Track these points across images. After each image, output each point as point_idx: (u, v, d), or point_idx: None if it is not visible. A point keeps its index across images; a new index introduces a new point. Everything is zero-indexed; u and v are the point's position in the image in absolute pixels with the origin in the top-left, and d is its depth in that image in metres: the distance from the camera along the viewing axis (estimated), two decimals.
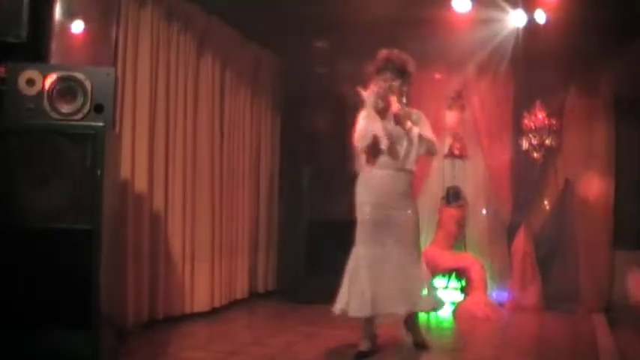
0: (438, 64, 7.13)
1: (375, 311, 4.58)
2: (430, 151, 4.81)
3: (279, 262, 7.42)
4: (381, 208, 4.64)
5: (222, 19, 6.22)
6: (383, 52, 4.78)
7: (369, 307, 4.54)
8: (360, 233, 4.68)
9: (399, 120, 4.58)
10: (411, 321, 4.93)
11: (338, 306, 4.69)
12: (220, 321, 5.86)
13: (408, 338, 4.97)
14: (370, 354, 4.67)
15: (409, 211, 4.73)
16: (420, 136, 4.64)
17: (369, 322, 4.72)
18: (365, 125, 4.60)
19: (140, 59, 5.20)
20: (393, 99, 4.61)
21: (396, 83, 4.70)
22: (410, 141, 4.65)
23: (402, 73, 4.73)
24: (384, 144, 4.62)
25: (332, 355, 4.70)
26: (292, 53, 7.35)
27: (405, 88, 4.77)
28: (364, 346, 4.70)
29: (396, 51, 4.78)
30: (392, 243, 4.65)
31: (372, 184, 4.69)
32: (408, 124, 4.60)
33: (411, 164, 4.73)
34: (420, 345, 4.92)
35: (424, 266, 4.84)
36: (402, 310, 4.65)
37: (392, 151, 4.65)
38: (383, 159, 4.66)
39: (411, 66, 4.79)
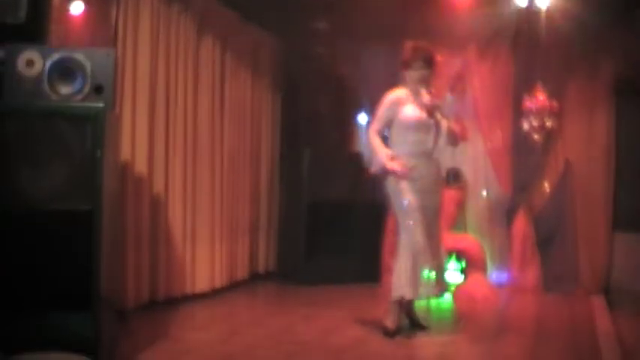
0: (439, 46, 7.06)
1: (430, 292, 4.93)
2: (454, 142, 5.10)
3: (280, 244, 7.44)
4: (423, 196, 4.82)
5: (221, 0, 6.19)
6: (410, 44, 4.91)
7: (421, 289, 4.80)
8: (405, 221, 4.80)
9: (429, 111, 4.79)
10: (409, 303, 4.98)
11: (402, 291, 4.76)
12: (221, 302, 5.89)
13: (404, 320, 5.02)
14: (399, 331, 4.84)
15: (440, 197, 5.03)
16: (448, 129, 4.88)
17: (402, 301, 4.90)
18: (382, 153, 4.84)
19: (140, 41, 5.19)
20: (424, 91, 4.81)
21: (426, 73, 4.85)
22: (438, 132, 4.87)
23: (430, 63, 4.87)
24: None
25: (332, 336, 4.72)
26: (293, 35, 7.32)
27: (431, 78, 4.95)
28: (395, 323, 4.84)
29: (421, 42, 4.93)
30: (431, 227, 4.85)
31: (411, 171, 4.81)
32: (438, 116, 4.83)
33: (438, 152, 4.99)
34: (419, 326, 4.96)
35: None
36: (439, 292, 5.03)
37: (422, 140, 4.86)
38: (417, 147, 4.85)
39: (437, 56, 4.98)
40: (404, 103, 4.86)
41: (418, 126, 4.82)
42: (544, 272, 6.80)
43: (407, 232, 4.77)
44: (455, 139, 5.00)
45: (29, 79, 3.70)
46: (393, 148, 4.91)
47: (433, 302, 5.95)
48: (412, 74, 4.85)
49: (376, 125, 4.96)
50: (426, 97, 4.77)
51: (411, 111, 4.83)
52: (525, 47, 6.83)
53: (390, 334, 4.74)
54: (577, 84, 6.88)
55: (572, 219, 6.84)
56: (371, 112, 7.01)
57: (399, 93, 4.92)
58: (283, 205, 7.46)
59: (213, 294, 6.06)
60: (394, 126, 4.90)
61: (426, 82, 4.84)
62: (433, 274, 4.82)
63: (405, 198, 4.79)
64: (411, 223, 4.75)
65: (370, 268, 6.73)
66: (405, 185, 4.79)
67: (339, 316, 5.35)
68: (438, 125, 4.84)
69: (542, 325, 5.32)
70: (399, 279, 4.76)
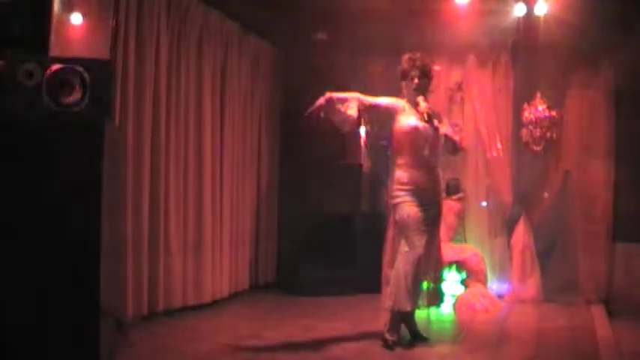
0: (438, 56, 7.10)
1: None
2: (454, 150, 5.06)
3: (280, 255, 7.43)
4: (423, 207, 4.80)
5: (221, 11, 6.21)
6: (407, 56, 4.94)
7: (419, 301, 4.88)
8: (406, 232, 4.79)
9: (428, 119, 4.74)
10: (409, 315, 4.97)
11: (401, 303, 4.74)
12: (220, 313, 5.88)
13: (404, 331, 4.99)
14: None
15: (440, 208, 4.98)
16: (446, 136, 4.87)
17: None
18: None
19: (140, 52, 5.20)
20: (422, 99, 4.80)
21: (422, 83, 4.88)
22: (437, 141, 4.84)
23: (426, 73, 4.91)
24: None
25: (331, 348, 4.70)
26: (293, 45, 7.34)
27: (428, 88, 4.96)
28: (396, 335, 4.84)
29: (418, 53, 4.94)
30: (430, 238, 4.83)
31: (411, 182, 4.82)
32: (436, 122, 4.78)
33: (437, 161, 4.94)
34: (419, 337, 4.95)
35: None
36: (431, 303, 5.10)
37: (421, 150, 4.84)
38: (416, 158, 4.83)
39: (433, 66, 5.04)
40: (402, 113, 4.88)
41: (416, 135, 4.81)
42: (544, 282, 6.79)
43: (408, 243, 4.74)
44: (454, 146, 4.99)
45: (29, 90, 3.70)
46: (394, 159, 4.92)
47: (433, 313, 5.94)
48: (409, 84, 4.88)
49: (364, 99, 4.92)
50: (422, 105, 4.76)
51: (408, 120, 4.84)
52: (524, 57, 6.85)
53: (389, 345, 4.73)
54: (576, 93, 6.89)
55: (572, 229, 6.84)
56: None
57: (398, 101, 4.95)
58: (283, 216, 7.45)
59: (214, 305, 6.04)
60: (393, 137, 4.90)
61: (423, 92, 4.85)
62: (428, 285, 4.82)
63: (406, 210, 4.77)
64: (413, 235, 4.73)
65: (370, 279, 6.71)
66: (406, 196, 4.79)
67: (339, 327, 5.33)
68: (437, 134, 4.81)
69: (543, 336, 5.30)
70: (397, 290, 4.73)
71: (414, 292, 4.74)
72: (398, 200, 4.83)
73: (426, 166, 4.85)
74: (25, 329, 3.54)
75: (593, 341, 5.02)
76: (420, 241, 4.72)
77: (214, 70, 6.19)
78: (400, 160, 4.87)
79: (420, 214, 4.76)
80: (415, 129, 4.81)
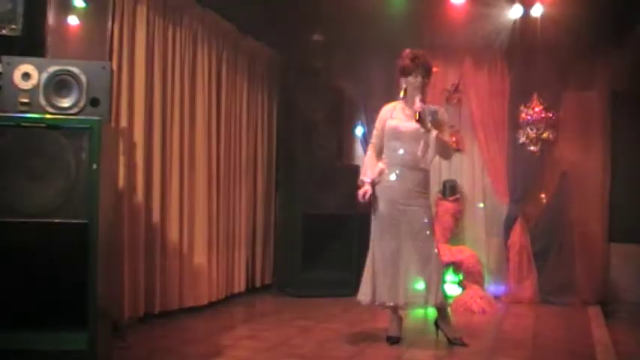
0: (435, 57, 7.10)
1: (397, 301, 4.84)
2: (444, 155, 5.04)
3: (276, 256, 7.43)
4: (398, 206, 4.81)
5: (217, 12, 6.20)
6: (407, 52, 4.88)
7: (394, 297, 4.82)
8: (374, 228, 4.94)
9: (420, 120, 4.70)
10: (441, 317, 4.98)
11: (365, 296, 4.91)
12: (217, 315, 5.87)
13: (442, 335, 4.99)
14: (399, 339, 4.90)
15: (421, 208, 4.86)
16: (438, 139, 4.77)
17: (395, 309, 4.96)
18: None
19: (136, 53, 5.19)
20: (418, 98, 4.75)
21: (423, 82, 4.84)
22: (427, 142, 4.79)
23: (428, 72, 4.87)
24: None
25: (328, 349, 4.70)
26: (289, 46, 7.35)
27: (428, 86, 4.94)
28: (393, 331, 4.94)
29: (419, 50, 4.89)
30: (406, 238, 4.82)
31: (386, 180, 4.86)
32: (428, 125, 4.72)
33: (426, 163, 4.88)
34: (455, 341, 4.89)
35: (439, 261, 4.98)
36: (421, 303, 4.92)
37: (398, 149, 4.84)
38: (398, 157, 4.83)
39: (434, 65, 5.01)
40: (391, 115, 4.91)
41: (397, 134, 4.83)
42: (541, 283, 6.81)
43: (372, 238, 4.94)
44: (445, 150, 4.92)
45: (25, 92, 3.70)
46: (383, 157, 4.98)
47: (430, 314, 5.94)
48: (410, 82, 4.82)
49: (373, 139, 5.04)
50: (417, 105, 4.70)
51: (390, 122, 4.88)
52: (521, 58, 6.86)
53: (389, 340, 4.86)
54: (573, 95, 6.91)
55: (568, 230, 6.85)
56: (367, 124, 7.05)
57: (388, 107, 4.99)
58: (279, 217, 7.45)
59: (210, 307, 6.03)
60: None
61: (422, 90, 4.81)
62: (422, 284, 4.79)
63: (374, 204, 4.89)
64: (374, 229, 4.92)
65: None
66: (379, 193, 4.87)
67: (336, 328, 5.33)
68: (427, 135, 4.77)
69: (540, 337, 5.31)
70: (362, 284, 4.96)
71: (375, 286, 4.85)
72: (375, 196, 4.91)
73: (404, 165, 4.83)
74: (21, 333, 3.54)
75: (590, 342, 5.03)
76: (378, 239, 4.89)
77: (210, 71, 6.18)
78: (385, 159, 4.92)
79: (384, 211, 4.85)
80: (394, 129, 4.84)
